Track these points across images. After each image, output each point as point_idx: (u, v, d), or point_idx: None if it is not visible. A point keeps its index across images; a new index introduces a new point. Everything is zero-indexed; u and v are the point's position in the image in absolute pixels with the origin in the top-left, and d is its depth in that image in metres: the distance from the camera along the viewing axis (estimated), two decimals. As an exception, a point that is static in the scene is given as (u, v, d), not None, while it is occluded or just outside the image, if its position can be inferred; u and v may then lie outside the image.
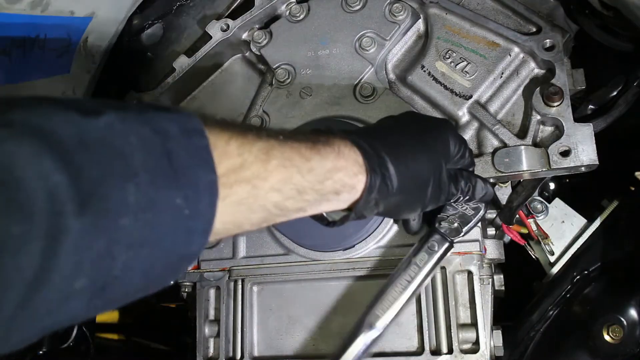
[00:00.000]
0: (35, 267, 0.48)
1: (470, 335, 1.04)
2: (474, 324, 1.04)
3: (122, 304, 0.61)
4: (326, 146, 0.78)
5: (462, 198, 0.97)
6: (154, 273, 0.60)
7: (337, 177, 0.78)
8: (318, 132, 0.82)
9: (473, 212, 1.02)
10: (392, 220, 1.10)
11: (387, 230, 1.10)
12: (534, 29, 1.16)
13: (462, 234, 1.01)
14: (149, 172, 0.56)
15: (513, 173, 1.09)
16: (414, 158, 0.86)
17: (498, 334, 1.08)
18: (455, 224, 1.01)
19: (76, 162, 0.51)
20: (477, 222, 1.02)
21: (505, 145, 1.10)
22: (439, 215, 1.01)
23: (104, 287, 0.55)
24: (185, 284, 1.22)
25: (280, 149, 0.71)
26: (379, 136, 0.87)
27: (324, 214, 0.89)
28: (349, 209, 0.84)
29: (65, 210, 0.49)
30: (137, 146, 0.56)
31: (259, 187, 0.68)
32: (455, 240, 1.00)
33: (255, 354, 1.14)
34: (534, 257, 1.26)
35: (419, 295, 1.06)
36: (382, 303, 0.97)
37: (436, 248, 0.99)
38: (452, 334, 1.03)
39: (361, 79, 1.20)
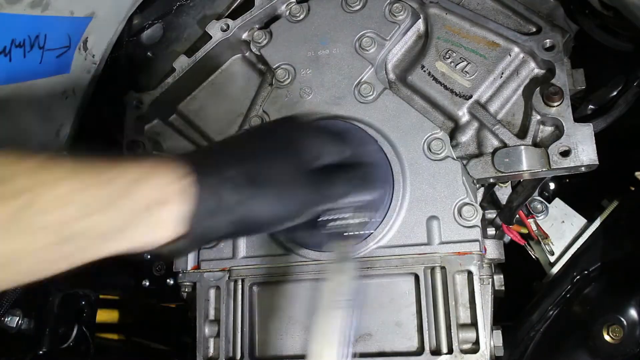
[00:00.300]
0: None
1: (470, 335, 1.04)
2: (474, 324, 1.04)
3: None
4: (137, 157, 0.70)
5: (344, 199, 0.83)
6: None
7: (153, 182, 0.66)
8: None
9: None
10: (392, 221, 1.10)
11: (387, 230, 1.10)
12: (534, 29, 1.16)
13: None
14: None
15: (513, 173, 1.09)
16: (264, 156, 0.76)
17: (498, 334, 1.08)
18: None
19: None
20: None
21: (505, 145, 1.10)
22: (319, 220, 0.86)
23: None
24: (185, 284, 1.21)
25: (72, 159, 0.64)
26: (215, 148, 0.78)
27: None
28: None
29: None
30: None
31: (34, 203, 0.58)
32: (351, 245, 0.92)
33: (256, 354, 1.14)
34: (534, 257, 1.27)
35: (419, 296, 1.06)
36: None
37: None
38: (452, 334, 1.03)
39: (361, 79, 1.20)
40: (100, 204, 0.62)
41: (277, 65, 1.25)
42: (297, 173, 0.78)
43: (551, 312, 1.19)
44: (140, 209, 0.64)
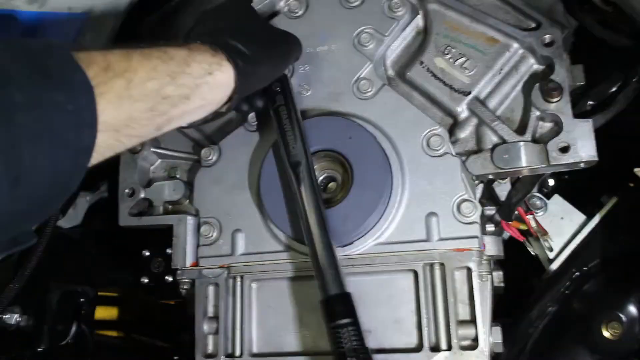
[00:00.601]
0: None
1: (469, 331, 1.04)
2: (473, 321, 1.04)
3: (44, 206, 0.72)
4: (177, 43, 0.89)
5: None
6: (59, 167, 0.68)
7: (198, 58, 0.88)
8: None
9: None
10: (390, 217, 1.10)
11: (386, 227, 1.10)
12: (533, 25, 1.15)
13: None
14: (26, 77, 0.65)
15: (512, 169, 1.09)
16: (245, 24, 1.06)
17: (497, 330, 1.08)
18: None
19: None
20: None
21: (504, 142, 1.10)
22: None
23: (19, 176, 0.63)
24: (184, 280, 1.21)
25: (138, 49, 0.81)
26: (206, 26, 1.04)
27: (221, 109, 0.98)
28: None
29: None
30: (9, 60, 0.65)
31: (132, 79, 0.76)
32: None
33: (254, 350, 1.14)
34: (533, 253, 1.26)
35: (418, 292, 1.06)
36: (289, 149, 1.09)
37: (278, 87, 1.13)
38: (451, 330, 1.03)
39: (360, 75, 1.19)
40: (172, 75, 0.83)
41: (275, 61, 1.25)
42: (273, 34, 1.12)
43: (550, 309, 1.19)
44: (200, 74, 0.87)
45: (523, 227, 1.22)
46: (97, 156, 0.75)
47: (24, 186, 0.64)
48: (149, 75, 0.79)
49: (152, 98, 0.80)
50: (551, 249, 1.23)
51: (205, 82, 0.88)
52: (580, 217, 1.24)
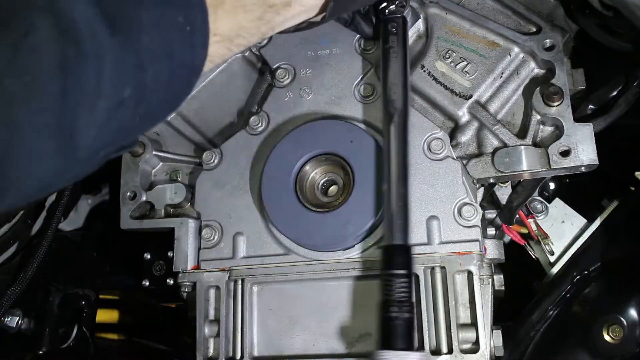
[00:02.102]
0: (92, 82, 0.61)
1: (470, 335, 1.04)
2: (473, 324, 1.04)
3: (157, 118, 0.77)
4: None
5: None
6: (174, 85, 0.73)
7: None
8: None
9: None
10: (392, 220, 1.10)
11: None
12: (534, 29, 1.16)
13: (407, 5, 1.15)
14: None
15: (513, 173, 1.09)
16: None
17: (498, 333, 1.08)
18: (396, 2, 1.13)
19: None
20: None
21: (505, 145, 1.10)
22: (379, 8, 1.13)
23: (142, 96, 0.68)
24: (185, 284, 1.21)
25: None
26: None
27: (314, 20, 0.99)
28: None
29: (102, 34, 0.62)
30: None
31: None
32: (405, 13, 1.15)
33: (255, 354, 1.14)
34: (534, 257, 1.27)
35: (419, 295, 1.06)
36: (389, 88, 1.08)
37: (394, 28, 1.12)
38: (452, 333, 1.03)
39: (361, 79, 1.20)
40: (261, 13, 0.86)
41: (277, 65, 1.25)
42: None
43: (551, 312, 1.19)
44: None
45: (524, 230, 1.22)
46: (209, 64, 0.79)
47: (145, 105, 0.69)
48: None
49: (260, 7, 0.85)
50: (552, 253, 1.23)
51: None
52: (581, 220, 1.25)
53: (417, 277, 1.07)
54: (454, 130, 1.16)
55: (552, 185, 1.30)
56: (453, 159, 1.11)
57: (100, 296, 1.55)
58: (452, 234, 1.08)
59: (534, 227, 1.21)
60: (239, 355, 1.13)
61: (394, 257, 0.99)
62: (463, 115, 1.15)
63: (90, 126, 0.63)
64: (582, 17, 1.17)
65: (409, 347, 0.94)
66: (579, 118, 1.10)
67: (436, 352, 1.04)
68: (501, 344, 1.08)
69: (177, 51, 0.71)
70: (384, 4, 1.13)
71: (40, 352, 1.35)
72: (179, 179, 1.33)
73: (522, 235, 1.23)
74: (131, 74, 0.65)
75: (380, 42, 1.14)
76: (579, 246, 1.22)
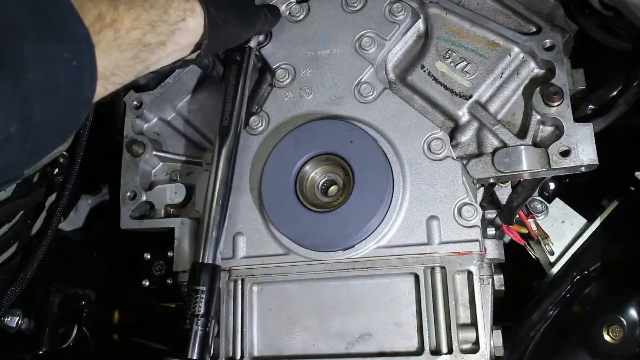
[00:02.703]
0: None
1: (470, 335, 1.04)
2: (473, 324, 1.04)
3: (46, 151, 0.75)
4: None
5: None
6: (62, 118, 0.73)
7: (174, 4, 0.94)
8: None
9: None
10: (392, 221, 1.10)
11: (386, 231, 1.10)
12: (534, 29, 1.16)
13: (254, 40, 1.22)
14: (35, 31, 0.68)
15: (513, 173, 1.09)
16: None
17: (498, 334, 1.08)
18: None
19: None
20: (267, 31, 1.25)
21: (505, 145, 1.10)
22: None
23: (29, 131, 0.67)
24: (185, 283, 1.21)
25: None
26: None
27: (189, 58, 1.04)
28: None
29: None
30: (19, 10, 0.67)
31: (120, 29, 0.82)
32: (252, 45, 1.22)
33: (255, 354, 1.14)
34: (534, 257, 1.26)
35: (419, 295, 1.06)
36: (224, 115, 1.15)
37: (238, 56, 1.20)
38: (452, 334, 1.03)
39: (361, 79, 1.20)
40: (152, 23, 0.89)
41: (277, 65, 1.25)
42: (249, 9, 1.17)
43: (551, 312, 1.19)
44: (175, 21, 0.94)
45: (524, 230, 1.22)
46: None
47: (33, 140, 0.68)
48: (133, 25, 0.85)
49: (135, 47, 0.86)
50: (552, 253, 1.23)
51: (179, 27, 0.95)
52: (581, 220, 1.25)
53: (417, 277, 1.08)
54: (454, 130, 1.16)
55: (552, 185, 1.30)
56: (453, 159, 1.11)
57: (100, 296, 1.55)
58: (452, 234, 1.08)
59: (534, 227, 1.21)
60: (239, 355, 1.13)
61: (198, 274, 1.07)
62: (463, 115, 1.15)
63: None
64: (582, 17, 1.17)
65: (199, 359, 1.03)
66: (579, 118, 1.10)
67: (436, 352, 1.04)
68: (501, 344, 1.08)
69: (64, 86, 0.70)
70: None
71: (40, 352, 1.34)
72: (179, 179, 1.33)
73: (522, 235, 1.23)
74: (16, 111, 0.64)
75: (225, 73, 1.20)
76: (579, 246, 1.21)
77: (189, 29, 0.97)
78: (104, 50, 0.79)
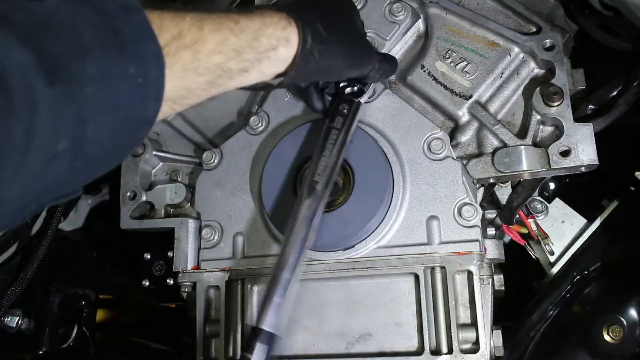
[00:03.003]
0: (21, 134, 0.56)
1: (470, 335, 1.04)
2: (473, 324, 1.04)
3: (99, 170, 0.71)
4: (250, 12, 0.86)
5: (375, 71, 1.06)
6: (120, 137, 0.68)
7: (269, 32, 0.86)
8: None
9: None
10: (392, 221, 1.10)
11: (387, 231, 1.10)
12: (534, 29, 1.16)
13: (367, 93, 1.11)
14: (100, 47, 0.63)
15: (513, 173, 1.09)
16: (338, 12, 1.01)
17: (498, 334, 1.08)
18: (357, 86, 1.10)
19: (36, 41, 0.59)
20: (378, 80, 1.12)
21: (505, 145, 1.10)
22: (340, 86, 1.10)
23: (81, 149, 0.63)
24: (185, 284, 1.22)
25: (211, 16, 0.79)
26: (300, 3, 0.96)
27: (269, 82, 0.94)
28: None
29: (36, 83, 0.57)
30: (84, 24, 0.63)
31: (200, 51, 0.76)
32: (362, 101, 1.09)
33: (255, 354, 1.14)
34: (534, 257, 1.26)
35: (419, 296, 1.06)
36: (317, 169, 1.03)
37: (346, 110, 1.07)
38: (452, 334, 1.03)
39: (361, 79, 1.20)
40: (238, 49, 0.82)
41: (277, 65, 1.25)
42: (358, 33, 1.05)
43: (551, 312, 1.19)
44: (265, 49, 0.85)
45: (524, 230, 1.22)
46: None
47: (84, 159, 0.64)
48: (217, 49, 0.78)
49: (214, 72, 0.80)
50: (552, 253, 1.23)
51: (268, 57, 0.86)
52: (581, 220, 1.25)
53: (417, 277, 1.08)
54: (454, 130, 1.16)
55: (552, 185, 1.30)
56: (453, 159, 1.11)
57: (100, 296, 1.55)
58: (452, 234, 1.08)
59: (534, 227, 1.21)
60: (239, 356, 1.13)
61: (252, 341, 0.93)
62: (463, 115, 1.15)
63: (15, 182, 0.59)
64: (582, 17, 1.17)
65: None
66: (579, 118, 1.11)
67: (436, 352, 1.04)
68: (501, 344, 1.08)
69: (125, 104, 0.66)
70: (345, 84, 1.10)
71: (40, 352, 1.35)
72: (179, 179, 1.33)
73: (522, 235, 1.23)
74: (68, 128, 0.61)
75: (327, 119, 1.09)
76: (579, 246, 1.21)
77: (278, 58, 0.88)
78: (178, 72, 0.74)
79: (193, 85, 0.78)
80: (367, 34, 1.21)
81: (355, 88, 1.09)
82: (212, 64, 0.79)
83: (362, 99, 1.10)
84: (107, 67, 0.64)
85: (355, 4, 1.23)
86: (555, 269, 1.22)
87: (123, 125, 0.68)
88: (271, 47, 0.86)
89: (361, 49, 1.03)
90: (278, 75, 0.92)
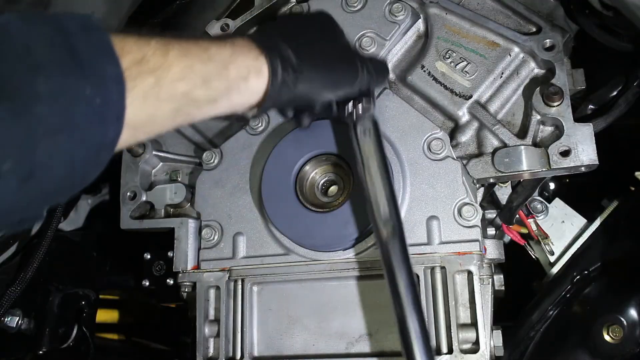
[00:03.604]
0: None
1: (470, 335, 1.04)
2: (474, 324, 1.04)
3: (56, 197, 0.67)
4: (222, 40, 0.83)
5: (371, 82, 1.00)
6: (77, 162, 0.64)
7: (239, 61, 0.82)
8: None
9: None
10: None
11: (387, 230, 1.10)
12: (534, 29, 1.16)
13: (374, 98, 1.04)
14: (55, 65, 0.61)
15: (513, 173, 1.09)
16: (312, 35, 0.96)
17: (498, 334, 1.08)
18: (363, 99, 1.02)
19: None
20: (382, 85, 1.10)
21: (505, 145, 1.10)
22: (346, 106, 1.02)
23: (31, 172, 0.59)
24: (185, 284, 1.22)
25: (178, 42, 0.75)
26: (271, 27, 0.93)
27: (241, 114, 0.89)
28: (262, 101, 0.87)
29: None
30: (40, 42, 0.61)
31: (163, 77, 0.72)
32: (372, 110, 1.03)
33: (255, 354, 1.14)
34: (534, 257, 1.26)
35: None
36: (376, 202, 0.98)
37: (369, 127, 1.02)
38: (452, 334, 1.03)
39: (361, 79, 1.20)
40: (206, 78, 0.77)
41: (277, 65, 1.25)
42: (337, 53, 0.98)
43: (551, 312, 1.19)
44: (234, 79, 0.81)
45: (524, 230, 1.22)
46: None
47: (36, 181, 0.61)
48: (182, 75, 0.74)
49: (179, 100, 0.75)
50: (552, 253, 1.23)
51: (237, 86, 0.82)
52: (581, 220, 1.25)
53: (417, 277, 1.08)
54: (454, 130, 1.16)
55: (552, 185, 1.30)
56: (453, 159, 1.11)
57: (100, 296, 1.55)
58: (452, 234, 1.08)
59: (534, 227, 1.21)
60: (239, 355, 1.13)
61: None
62: (463, 115, 1.15)
63: None
64: (582, 17, 1.17)
65: None
66: (579, 118, 1.11)
67: (436, 352, 1.04)
68: (501, 344, 1.08)
69: (82, 124, 0.62)
70: (350, 104, 1.02)
71: (40, 352, 1.35)
72: (179, 179, 1.33)
73: (522, 235, 1.23)
74: (12, 148, 0.57)
75: (356, 151, 1.03)
76: (579, 246, 1.21)
77: (249, 89, 0.84)
78: (139, 98, 0.69)
79: (156, 112, 0.73)
80: (367, 34, 1.21)
81: (363, 102, 1.02)
82: (176, 92, 0.74)
83: (374, 109, 1.03)
84: (61, 86, 0.61)
85: (356, 4, 1.23)
86: (555, 269, 1.22)
87: (79, 147, 0.63)
88: (241, 77, 0.82)
89: (341, 69, 0.97)
90: (253, 106, 0.88)
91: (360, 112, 1.01)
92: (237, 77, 0.81)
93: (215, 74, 0.78)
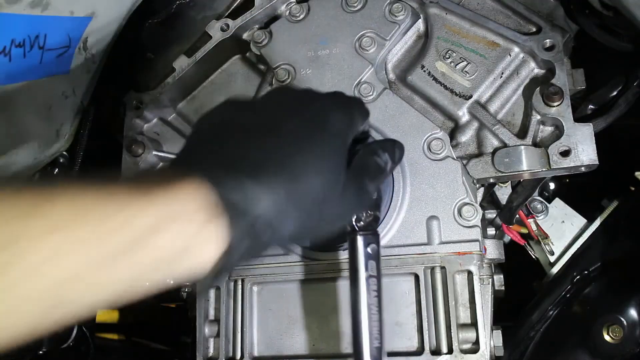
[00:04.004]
0: None
1: (470, 335, 1.04)
2: (473, 324, 1.04)
3: None
4: (151, 187, 0.54)
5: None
6: None
7: (175, 229, 0.54)
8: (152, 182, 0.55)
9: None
10: (392, 221, 1.10)
11: (387, 230, 1.10)
12: (534, 29, 1.16)
13: (380, 220, 0.98)
14: None
15: (513, 173, 1.09)
16: (297, 172, 0.62)
17: (498, 334, 1.08)
18: (371, 216, 0.92)
19: None
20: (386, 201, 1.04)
21: (505, 145, 1.10)
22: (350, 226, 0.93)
23: None
24: (185, 284, 1.22)
25: (70, 196, 0.50)
26: (237, 158, 0.60)
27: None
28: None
29: None
30: None
31: (21, 261, 0.46)
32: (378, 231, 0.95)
33: (255, 354, 1.14)
34: (534, 257, 1.27)
35: (419, 296, 1.06)
36: (369, 331, 0.91)
37: (376, 250, 0.93)
38: (452, 334, 1.03)
39: (361, 79, 1.20)
40: (107, 257, 0.50)
41: (277, 65, 1.25)
42: (333, 189, 0.69)
43: (551, 312, 1.19)
44: (160, 259, 0.53)
45: (524, 230, 1.22)
46: None
47: None
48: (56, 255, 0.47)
49: (47, 299, 0.48)
50: (552, 253, 1.23)
51: (168, 268, 0.55)
52: (581, 220, 1.25)
53: (417, 277, 1.08)
54: (454, 130, 1.16)
55: (552, 185, 1.30)
56: (453, 159, 1.11)
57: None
58: (452, 234, 1.08)
59: (534, 227, 1.21)
60: (239, 355, 1.13)
61: None
62: (463, 115, 1.15)
63: None
64: (582, 17, 1.17)
65: None
66: (579, 118, 1.10)
67: (436, 352, 1.04)
68: (501, 344, 1.08)
69: None
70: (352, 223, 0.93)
71: (40, 352, 1.34)
72: (179, 179, 1.33)
73: (522, 235, 1.23)
74: None
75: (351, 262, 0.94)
76: (579, 246, 1.21)
77: (187, 267, 0.58)
78: None
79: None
80: (367, 34, 1.21)
81: (370, 217, 0.93)
82: (46, 284, 0.48)
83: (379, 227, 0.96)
84: None
85: (356, 4, 1.23)
86: (555, 269, 1.22)
87: None
88: (177, 251, 0.54)
89: (351, 195, 0.71)
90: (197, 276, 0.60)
91: (362, 226, 0.91)
92: (166, 254, 0.54)
93: (120, 253, 0.51)
